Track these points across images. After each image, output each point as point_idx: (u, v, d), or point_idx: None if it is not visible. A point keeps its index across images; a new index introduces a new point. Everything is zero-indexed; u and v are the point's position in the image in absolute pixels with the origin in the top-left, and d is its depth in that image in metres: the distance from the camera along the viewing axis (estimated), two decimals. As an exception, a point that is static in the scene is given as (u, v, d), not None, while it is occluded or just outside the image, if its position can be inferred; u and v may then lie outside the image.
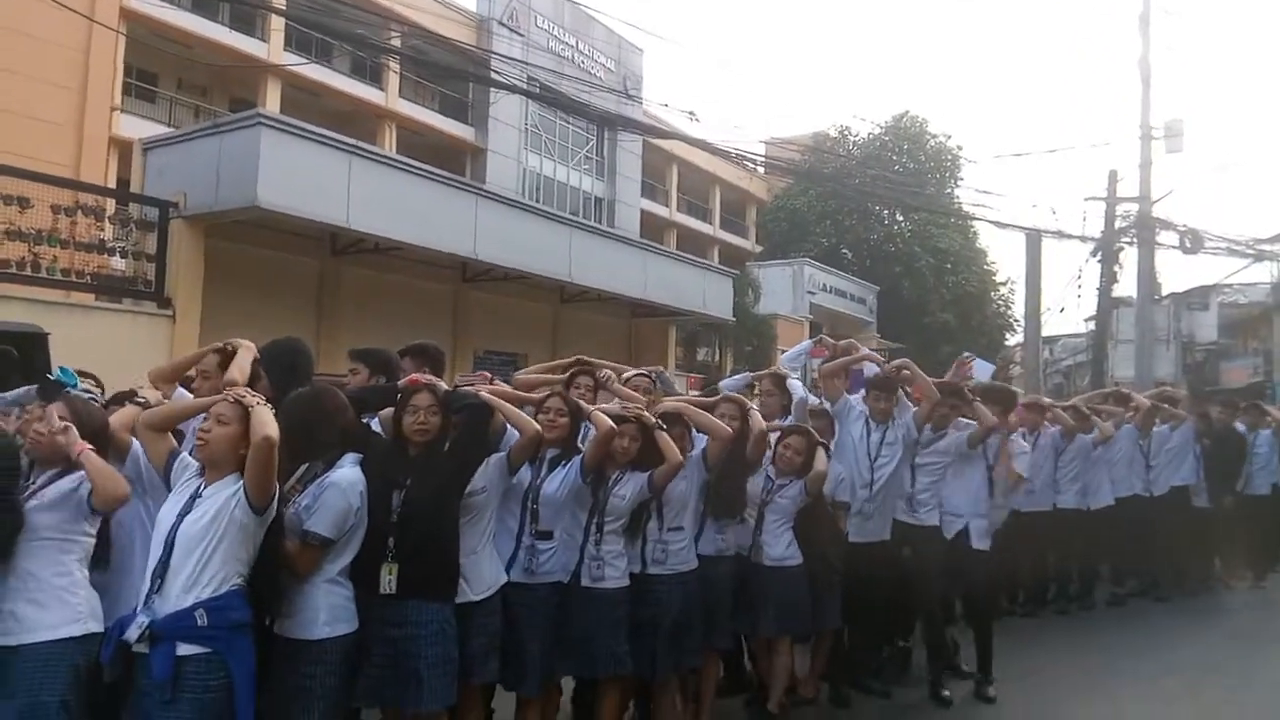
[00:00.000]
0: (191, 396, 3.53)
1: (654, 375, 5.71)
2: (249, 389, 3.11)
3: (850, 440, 5.43)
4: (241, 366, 3.46)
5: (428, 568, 3.41)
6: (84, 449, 2.95)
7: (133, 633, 2.72)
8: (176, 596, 2.78)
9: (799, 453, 4.87)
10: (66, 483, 2.96)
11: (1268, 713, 5.58)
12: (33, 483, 2.99)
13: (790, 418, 5.33)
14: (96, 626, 2.92)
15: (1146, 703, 5.66)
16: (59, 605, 2.86)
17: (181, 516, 2.86)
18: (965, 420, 5.77)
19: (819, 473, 4.85)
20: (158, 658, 2.71)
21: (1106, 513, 8.10)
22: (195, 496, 2.91)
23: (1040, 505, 7.55)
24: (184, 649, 2.74)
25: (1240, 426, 9.67)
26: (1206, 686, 6.01)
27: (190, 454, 3.09)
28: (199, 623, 2.76)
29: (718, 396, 4.99)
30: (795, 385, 5.45)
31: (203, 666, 2.75)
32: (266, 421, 2.86)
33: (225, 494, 2.87)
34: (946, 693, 5.50)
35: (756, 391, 5.69)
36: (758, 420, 4.68)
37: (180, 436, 3.34)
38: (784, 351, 20.51)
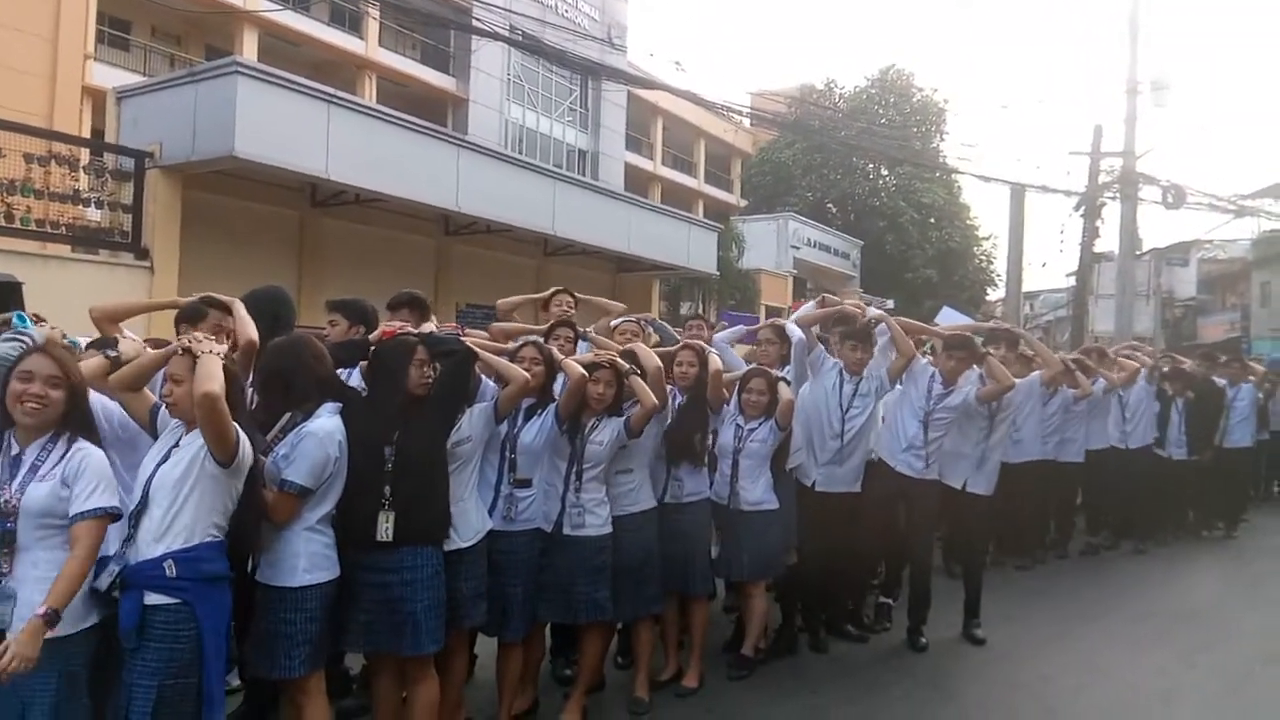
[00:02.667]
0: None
1: (644, 322, 5.74)
2: (205, 335, 3.02)
3: (822, 391, 5.47)
4: (241, 317, 3.47)
5: (423, 515, 3.45)
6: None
7: (104, 580, 2.70)
8: (147, 545, 2.75)
9: (762, 393, 4.93)
10: (93, 455, 2.76)
11: (1239, 659, 5.72)
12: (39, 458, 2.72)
13: (789, 366, 5.36)
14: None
15: (1119, 650, 5.79)
16: (81, 593, 2.67)
17: (159, 465, 2.85)
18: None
19: (785, 402, 4.90)
20: (125, 606, 2.70)
21: (1082, 464, 8.23)
22: (175, 446, 2.89)
23: (1027, 456, 7.67)
24: (152, 598, 2.71)
25: (1221, 381, 9.81)
26: (1179, 634, 6.16)
27: None
28: (168, 573, 2.73)
29: (679, 345, 5.04)
30: (794, 330, 5.47)
31: (171, 617, 2.72)
32: (207, 375, 2.75)
33: (198, 444, 2.83)
34: (924, 640, 5.63)
35: (755, 341, 5.72)
36: (715, 362, 4.75)
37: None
38: (768, 307, 20.46)
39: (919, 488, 5.64)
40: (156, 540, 2.76)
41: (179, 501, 2.78)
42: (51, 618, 2.52)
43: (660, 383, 4.41)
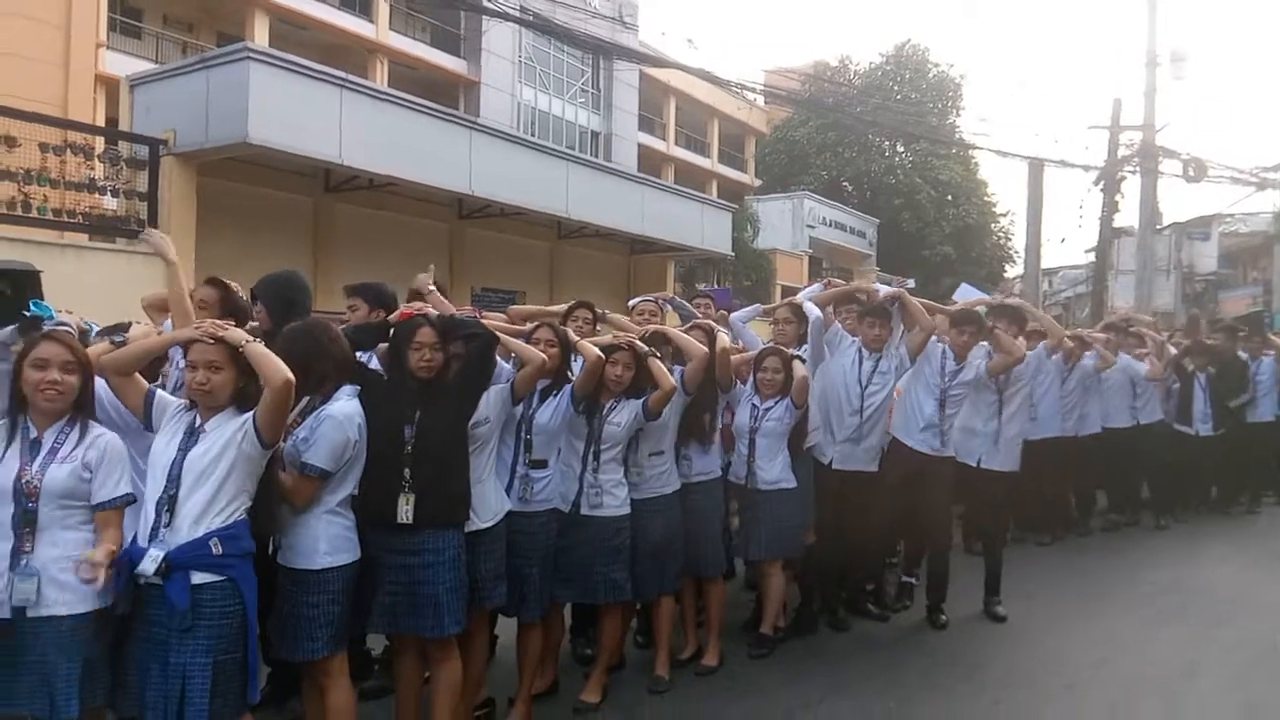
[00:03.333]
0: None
1: (662, 301, 5.72)
2: (223, 322, 3.04)
3: (840, 368, 5.44)
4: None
5: (443, 497, 3.46)
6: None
7: (148, 566, 2.74)
8: (189, 528, 2.80)
9: (777, 371, 4.93)
10: (110, 439, 2.83)
11: (1261, 633, 5.68)
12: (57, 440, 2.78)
13: (807, 345, 5.35)
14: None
15: (1141, 625, 5.76)
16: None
17: (183, 450, 2.86)
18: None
19: (800, 380, 4.89)
20: (175, 588, 2.74)
21: (1100, 440, 8.18)
22: (192, 431, 2.90)
23: (1045, 433, 7.62)
24: (199, 578, 2.77)
25: (1243, 354, 9.70)
26: (1200, 609, 6.12)
27: (172, 391, 3.08)
28: (214, 551, 2.80)
29: (689, 325, 5.03)
30: (811, 308, 5.45)
31: (219, 594, 2.80)
32: (278, 365, 2.87)
33: (230, 427, 2.88)
34: (944, 618, 5.62)
35: (771, 320, 5.71)
36: (722, 340, 4.73)
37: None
38: (782, 287, 20.39)
39: (936, 466, 5.62)
40: (197, 521, 2.81)
41: (218, 483, 2.84)
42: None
43: (702, 369, 4.45)
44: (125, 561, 2.79)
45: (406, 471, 3.40)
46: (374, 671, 4.37)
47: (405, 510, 3.38)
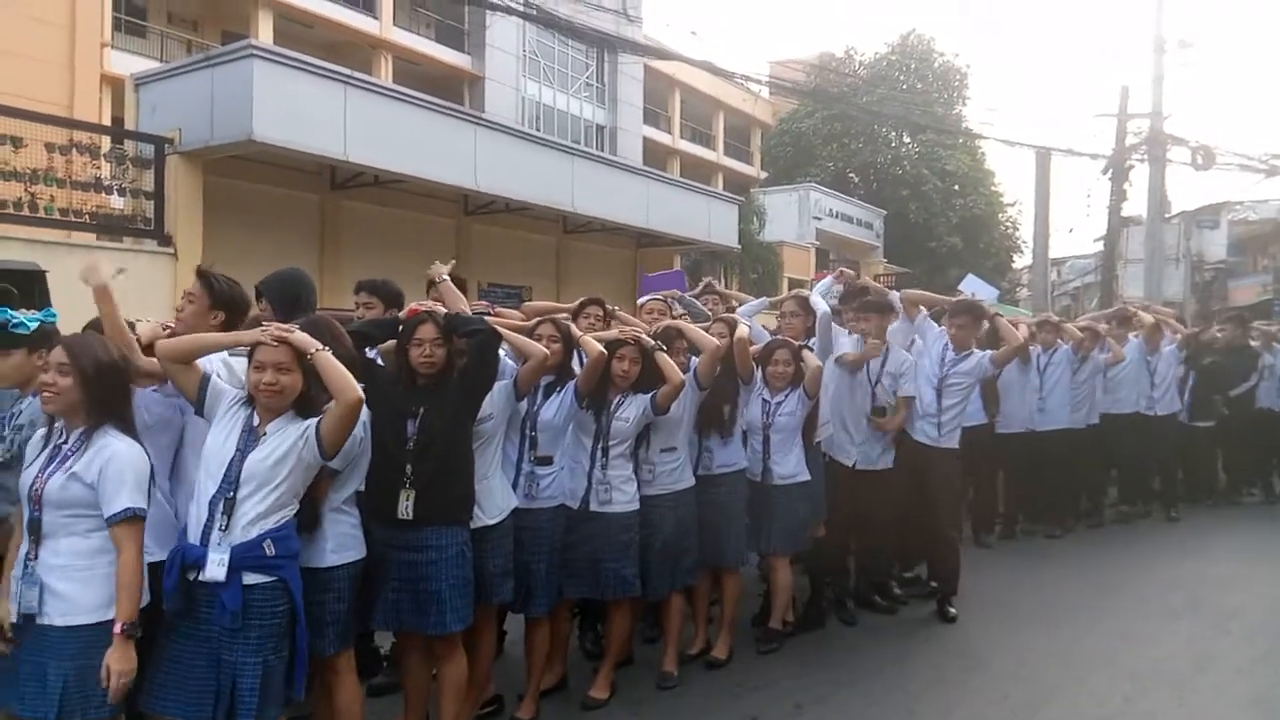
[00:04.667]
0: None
1: (671, 300, 5.71)
2: (286, 326, 3.02)
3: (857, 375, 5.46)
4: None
5: (445, 493, 3.45)
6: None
7: (217, 571, 2.76)
8: (242, 529, 2.82)
9: (788, 363, 4.93)
10: (123, 445, 2.72)
11: (1272, 625, 5.66)
12: (57, 446, 2.73)
13: (814, 338, 5.34)
14: (146, 597, 2.76)
15: (1151, 618, 5.75)
16: (104, 584, 2.66)
17: (242, 451, 2.87)
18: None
19: (814, 369, 4.90)
20: (228, 589, 2.77)
21: (1110, 430, 8.14)
22: (251, 432, 2.90)
23: (1056, 424, 7.61)
24: (250, 578, 2.81)
25: (1254, 343, 9.65)
26: (1211, 601, 6.09)
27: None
28: (267, 553, 2.83)
29: (712, 320, 5.03)
30: (819, 302, 5.45)
31: (270, 595, 2.84)
32: (351, 381, 2.90)
33: (292, 434, 2.90)
34: (953, 611, 5.62)
35: (780, 313, 5.72)
36: (741, 330, 4.74)
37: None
38: (791, 280, 20.35)
39: (936, 455, 5.64)
40: (252, 523, 2.84)
41: (277, 487, 2.88)
42: (131, 631, 2.62)
43: (715, 362, 4.44)
44: (178, 560, 2.80)
45: (408, 468, 3.40)
46: (382, 668, 4.38)
47: (406, 506, 3.39)
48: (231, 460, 2.86)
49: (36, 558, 2.67)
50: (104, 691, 2.62)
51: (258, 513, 2.84)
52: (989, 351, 5.79)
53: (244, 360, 3.06)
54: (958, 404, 5.70)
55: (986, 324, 6.07)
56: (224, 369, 3.20)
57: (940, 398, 5.63)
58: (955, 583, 5.71)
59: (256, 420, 2.93)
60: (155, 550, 2.91)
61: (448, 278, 4.24)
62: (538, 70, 27.61)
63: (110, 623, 2.65)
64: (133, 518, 2.67)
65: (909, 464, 5.61)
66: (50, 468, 2.70)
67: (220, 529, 2.81)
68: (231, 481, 2.84)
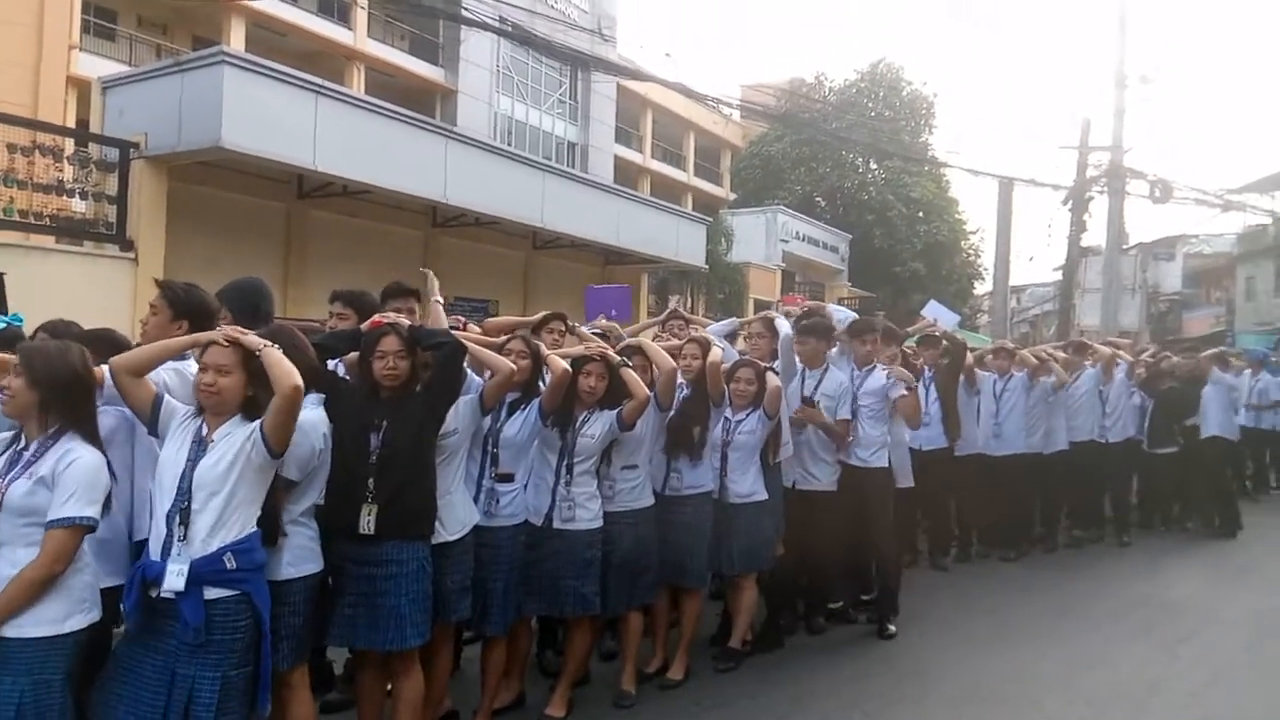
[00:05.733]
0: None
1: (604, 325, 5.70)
2: (239, 329, 3.01)
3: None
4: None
5: (407, 508, 3.42)
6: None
7: (175, 582, 2.70)
8: (201, 541, 2.76)
9: (750, 382, 4.96)
10: (86, 453, 2.68)
11: (1225, 648, 5.76)
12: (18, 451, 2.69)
13: (779, 360, 5.39)
14: (97, 614, 2.73)
15: (1105, 641, 5.82)
16: (61, 596, 2.61)
17: (192, 461, 2.83)
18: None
19: (774, 389, 4.94)
20: (189, 604, 2.71)
21: (1064, 457, 8.29)
22: (200, 440, 2.87)
23: (1012, 449, 7.74)
24: (211, 593, 2.75)
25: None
26: (1165, 624, 6.20)
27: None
28: (228, 566, 2.77)
29: (685, 340, 5.06)
30: (782, 323, 5.50)
31: (232, 609, 2.78)
32: (290, 369, 2.85)
33: (239, 437, 2.85)
34: (891, 629, 5.72)
35: (745, 334, 5.76)
36: (715, 354, 4.77)
37: None
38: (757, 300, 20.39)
39: (864, 474, 5.71)
40: (210, 535, 2.78)
41: (230, 495, 2.82)
42: None
43: (672, 383, 4.46)
44: (138, 578, 2.74)
45: (370, 482, 3.37)
46: (335, 685, 4.32)
47: (367, 521, 3.35)
48: (183, 471, 2.82)
49: None
50: (60, 705, 2.57)
51: (213, 523, 2.79)
52: (887, 369, 5.91)
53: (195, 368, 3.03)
54: (874, 422, 5.79)
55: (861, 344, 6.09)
56: (174, 377, 3.17)
57: (856, 418, 5.70)
58: (894, 601, 5.80)
59: (205, 430, 2.89)
60: (105, 577, 2.86)
61: (440, 298, 4.22)
62: (511, 86, 27.65)
63: (70, 634, 2.61)
64: (74, 526, 2.60)
65: (847, 486, 5.67)
66: (12, 473, 2.65)
67: (179, 540, 2.76)
68: (184, 492, 2.79)
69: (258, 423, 2.86)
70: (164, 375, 3.13)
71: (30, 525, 2.61)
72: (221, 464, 2.82)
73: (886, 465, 5.83)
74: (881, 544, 5.81)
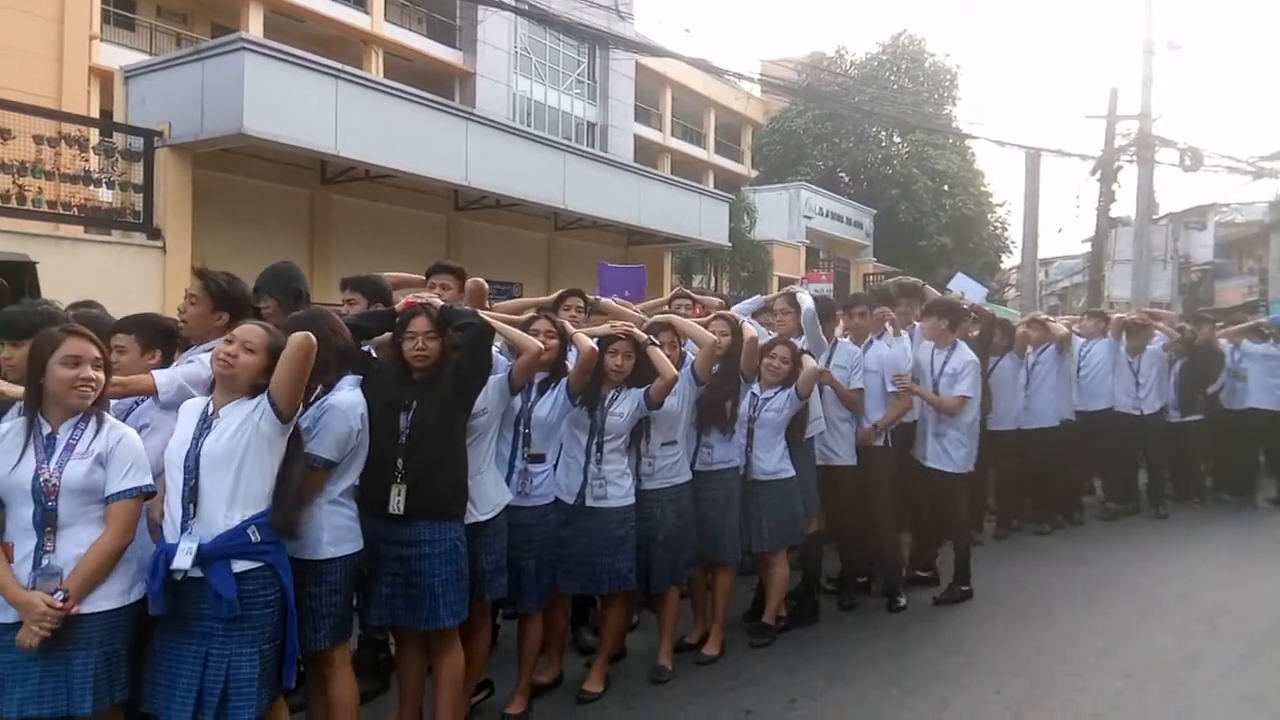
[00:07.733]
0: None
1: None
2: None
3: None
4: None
5: (435, 489, 3.43)
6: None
7: (183, 560, 2.71)
8: (222, 516, 2.78)
9: (785, 361, 4.96)
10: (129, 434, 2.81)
11: (1261, 621, 5.68)
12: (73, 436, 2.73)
13: (804, 336, 5.35)
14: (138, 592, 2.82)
15: (1141, 614, 5.77)
16: (125, 567, 2.76)
17: (197, 440, 2.83)
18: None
19: (809, 371, 4.93)
20: (219, 578, 2.73)
21: (1090, 428, 8.18)
22: (205, 419, 2.88)
23: (1041, 422, 7.66)
24: (240, 565, 2.78)
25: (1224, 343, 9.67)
26: (1201, 597, 6.13)
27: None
28: (253, 539, 2.80)
29: (712, 315, 5.03)
30: (805, 299, 5.46)
31: (260, 581, 2.81)
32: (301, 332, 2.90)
33: (244, 410, 2.86)
34: (901, 601, 5.73)
35: (771, 310, 5.74)
36: (749, 331, 4.76)
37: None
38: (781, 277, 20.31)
39: (867, 456, 5.68)
40: (229, 509, 2.80)
41: (243, 469, 2.82)
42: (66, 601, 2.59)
43: (712, 356, 4.46)
44: (160, 561, 2.76)
45: (400, 461, 3.38)
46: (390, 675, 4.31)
47: (397, 501, 3.37)
48: (188, 452, 2.83)
49: (54, 550, 2.64)
50: (126, 673, 2.69)
51: (228, 496, 2.79)
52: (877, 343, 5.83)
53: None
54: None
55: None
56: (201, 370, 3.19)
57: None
58: (900, 573, 5.84)
59: (211, 408, 2.91)
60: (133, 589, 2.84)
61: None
62: (529, 67, 27.57)
63: (134, 604, 2.74)
64: (138, 495, 2.74)
65: (862, 462, 5.68)
66: (56, 457, 2.67)
67: (192, 519, 2.78)
68: (191, 470, 2.80)
69: (265, 393, 2.86)
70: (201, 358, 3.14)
71: (92, 503, 2.70)
72: (225, 434, 2.82)
73: (884, 444, 5.77)
74: (878, 519, 5.78)
